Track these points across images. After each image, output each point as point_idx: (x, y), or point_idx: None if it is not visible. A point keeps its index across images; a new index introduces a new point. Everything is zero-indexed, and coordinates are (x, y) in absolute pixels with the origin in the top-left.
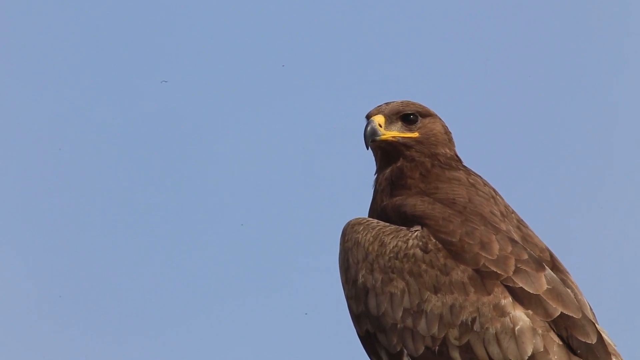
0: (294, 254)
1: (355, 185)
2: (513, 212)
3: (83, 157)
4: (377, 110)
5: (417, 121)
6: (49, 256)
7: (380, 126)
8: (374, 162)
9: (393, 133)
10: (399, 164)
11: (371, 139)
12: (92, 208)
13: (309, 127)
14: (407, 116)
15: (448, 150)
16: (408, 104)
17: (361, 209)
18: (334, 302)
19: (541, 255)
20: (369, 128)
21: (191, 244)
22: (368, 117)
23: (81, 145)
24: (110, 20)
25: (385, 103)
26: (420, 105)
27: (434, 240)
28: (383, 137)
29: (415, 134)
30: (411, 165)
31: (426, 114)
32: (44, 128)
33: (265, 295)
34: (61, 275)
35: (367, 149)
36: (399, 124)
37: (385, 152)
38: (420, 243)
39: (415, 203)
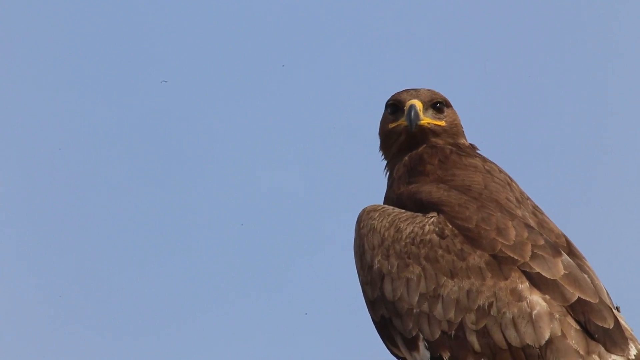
0: (294, 253)
1: (355, 186)
2: (528, 198)
3: (83, 157)
4: (415, 95)
5: (443, 110)
6: (49, 256)
7: (419, 111)
8: (374, 157)
9: (427, 119)
10: (420, 150)
11: (415, 122)
12: (92, 208)
13: (308, 127)
14: (437, 104)
15: (465, 141)
16: (436, 92)
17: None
18: (334, 302)
19: (557, 240)
20: (413, 113)
21: (191, 244)
22: (398, 101)
23: (81, 145)
24: (110, 20)
25: (413, 89)
26: (443, 95)
27: (450, 226)
28: (422, 122)
29: (443, 123)
30: (432, 152)
31: (449, 104)
32: (44, 128)
33: (265, 295)
34: (61, 275)
35: (412, 131)
36: (430, 111)
37: (412, 138)
38: (437, 229)
39: (430, 190)
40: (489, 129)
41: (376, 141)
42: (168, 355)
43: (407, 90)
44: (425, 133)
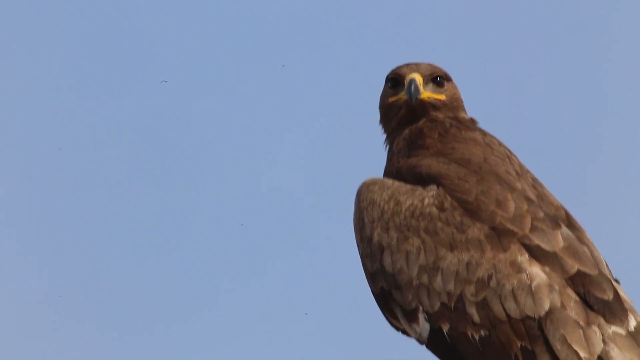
0: (294, 253)
1: (355, 185)
2: (528, 171)
3: (83, 157)
4: (416, 69)
5: (444, 84)
6: (49, 256)
7: (419, 85)
8: (374, 157)
9: (428, 93)
10: (420, 124)
11: (415, 96)
12: (92, 208)
13: (308, 127)
14: (437, 78)
15: (465, 115)
16: (437, 66)
17: None
18: (334, 302)
19: (556, 213)
20: (413, 86)
21: (191, 244)
22: (399, 75)
23: (81, 145)
24: (110, 20)
25: (414, 63)
26: (443, 69)
27: (450, 199)
28: (422, 96)
29: (443, 97)
30: (432, 125)
31: (449, 78)
32: (44, 128)
33: (265, 295)
34: (61, 275)
35: (412, 105)
36: (430, 85)
37: (412, 112)
38: (436, 202)
39: (430, 163)
40: (488, 129)
41: (376, 141)
42: (168, 354)
43: (407, 64)
44: (425, 107)
